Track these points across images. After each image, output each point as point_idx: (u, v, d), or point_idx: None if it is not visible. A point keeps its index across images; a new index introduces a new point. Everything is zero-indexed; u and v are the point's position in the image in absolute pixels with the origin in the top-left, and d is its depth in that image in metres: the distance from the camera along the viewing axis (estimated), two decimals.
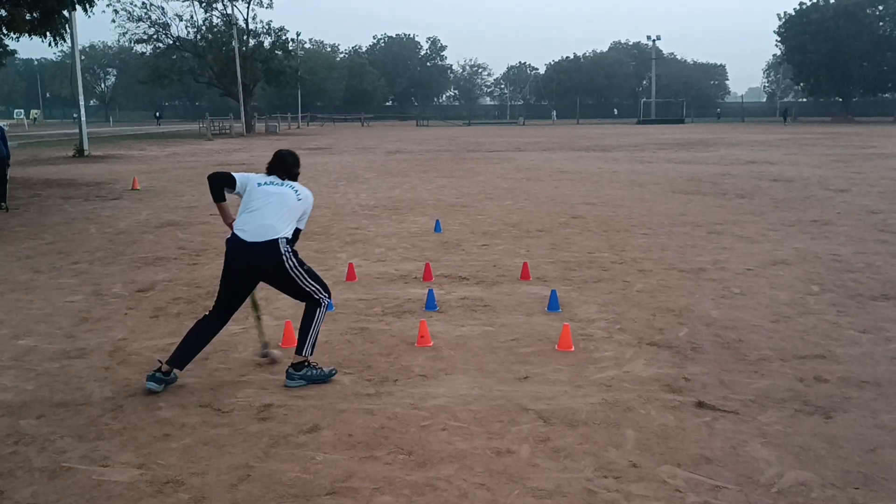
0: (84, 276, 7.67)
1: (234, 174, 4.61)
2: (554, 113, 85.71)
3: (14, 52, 31.63)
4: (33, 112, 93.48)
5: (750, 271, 7.59)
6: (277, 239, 4.40)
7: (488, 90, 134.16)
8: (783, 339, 5.37)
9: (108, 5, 51.95)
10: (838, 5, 68.95)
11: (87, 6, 19.81)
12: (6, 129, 13.76)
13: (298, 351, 4.55)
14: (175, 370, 4.52)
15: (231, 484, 3.35)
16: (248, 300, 4.81)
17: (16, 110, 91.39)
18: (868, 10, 70.03)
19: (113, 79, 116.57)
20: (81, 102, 27.18)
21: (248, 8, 55.96)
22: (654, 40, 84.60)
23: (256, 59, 54.57)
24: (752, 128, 56.45)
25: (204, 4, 53.68)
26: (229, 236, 4.54)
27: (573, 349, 5.15)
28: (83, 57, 58.20)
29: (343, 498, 3.23)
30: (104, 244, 9.54)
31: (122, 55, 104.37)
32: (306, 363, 4.57)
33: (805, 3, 72.21)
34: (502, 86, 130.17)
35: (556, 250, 8.80)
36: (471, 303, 6.46)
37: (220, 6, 54.16)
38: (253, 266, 4.46)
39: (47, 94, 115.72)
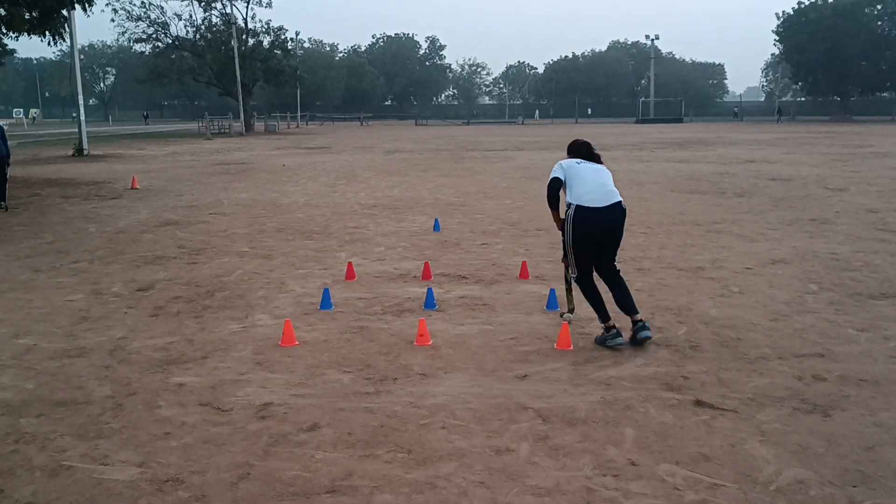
0: (84, 276, 7.67)
1: (555, 176, 5.30)
2: (537, 112, 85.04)
3: (13, 51, 31.67)
4: (32, 111, 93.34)
5: (748, 270, 7.60)
6: (621, 200, 5.26)
7: (487, 89, 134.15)
8: (782, 338, 5.38)
9: (107, 4, 51.91)
10: (836, 4, 68.95)
11: (87, 5, 19.83)
12: (6, 128, 13.75)
13: (636, 311, 5.26)
14: (612, 324, 5.23)
15: (231, 482, 3.36)
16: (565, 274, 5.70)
17: (15, 109, 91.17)
18: (866, 10, 70.03)
19: (112, 78, 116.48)
20: (81, 102, 27.18)
21: (247, 7, 56.08)
22: (652, 40, 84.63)
23: (255, 59, 54.53)
24: (750, 127, 56.47)
25: (203, 4, 53.64)
26: (573, 211, 5.16)
27: (572, 348, 5.16)
28: (82, 56, 58.15)
29: (343, 496, 3.24)
30: (104, 243, 9.54)
31: (121, 54, 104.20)
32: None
33: (803, 3, 72.19)
34: (501, 85, 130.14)
35: (556, 249, 8.79)
36: (470, 301, 6.46)
37: (219, 5, 54.16)
38: (608, 225, 5.21)
39: (46, 94, 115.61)
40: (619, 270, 5.42)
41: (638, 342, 5.17)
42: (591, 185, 5.21)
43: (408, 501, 3.19)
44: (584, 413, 4.08)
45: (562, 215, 5.38)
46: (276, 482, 3.36)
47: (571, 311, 5.81)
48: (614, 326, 5.21)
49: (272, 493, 3.26)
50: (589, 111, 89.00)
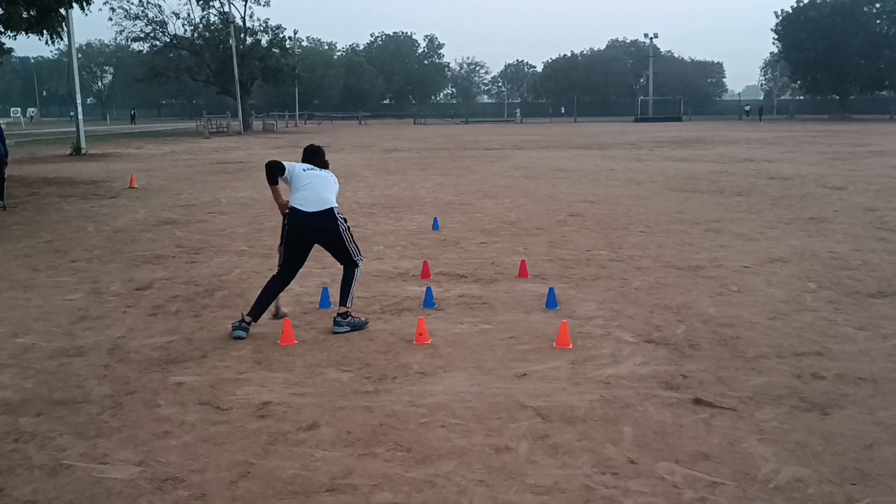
0: (82, 275, 7.67)
1: (283, 163, 5.55)
2: (518, 111, 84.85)
3: (11, 50, 31.53)
4: (30, 110, 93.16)
5: (747, 269, 7.61)
6: (333, 208, 5.50)
7: (486, 88, 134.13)
8: (780, 337, 5.39)
9: (104, 3, 51.73)
10: (835, 3, 69.01)
11: (84, 4, 19.82)
12: (3, 127, 13.73)
13: (342, 303, 5.60)
14: (251, 320, 5.51)
15: (231, 481, 3.36)
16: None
17: (12, 108, 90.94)
18: (865, 8, 70.10)
19: (110, 77, 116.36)
20: (78, 101, 27.13)
21: (245, 6, 55.98)
22: (651, 38, 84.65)
23: (254, 57, 54.45)
24: (749, 125, 56.51)
25: (201, 2, 53.51)
26: (288, 212, 5.48)
27: (571, 346, 5.17)
28: (80, 55, 58.04)
29: (342, 495, 3.24)
30: (102, 242, 9.53)
31: (118, 53, 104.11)
32: (348, 313, 5.60)
33: (802, 1, 72.27)
34: (500, 84, 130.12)
35: (554, 248, 8.82)
36: (469, 300, 6.47)
37: (217, 4, 54.04)
38: (314, 231, 5.50)
39: (44, 93, 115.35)
40: (354, 265, 5.63)
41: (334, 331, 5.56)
42: (308, 189, 5.51)
43: (407, 500, 3.20)
44: (583, 412, 4.09)
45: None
46: (276, 481, 3.36)
47: (278, 308, 5.86)
48: (244, 320, 5.49)
49: (272, 492, 3.27)
50: (562, 110, 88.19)
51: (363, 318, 5.77)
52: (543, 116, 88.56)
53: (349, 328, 5.58)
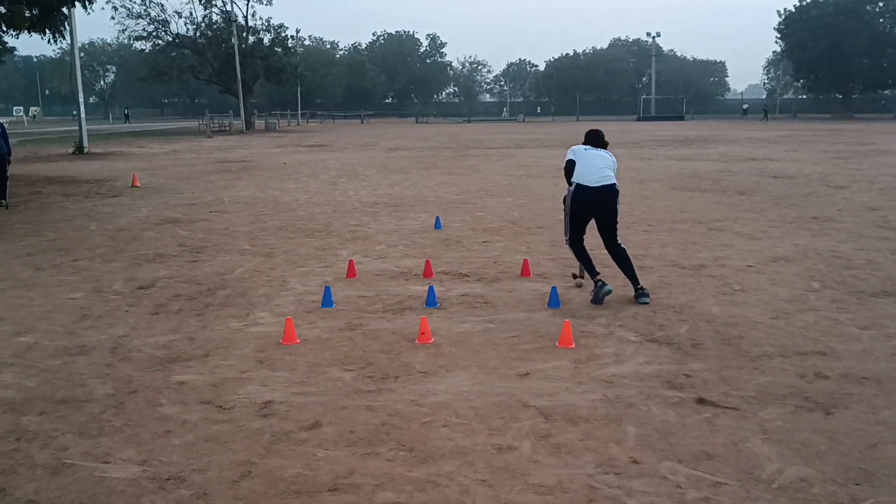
0: (85, 273, 7.67)
1: (569, 157, 6.42)
2: (505, 111, 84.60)
3: (13, 49, 31.63)
4: (33, 109, 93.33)
5: (750, 268, 7.59)
6: (614, 183, 6.28)
7: (488, 87, 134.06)
8: (784, 336, 5.37)
9: (107, 2, 51.92)
10: (838, 2, 68.86)
11: (87, 3, 19.80)
12: (6, 126, 13.75)
13: (637, 282, 6.33)
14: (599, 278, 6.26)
15: (233, 480, 3.36)
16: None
17: (15, 107, 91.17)
18: (868, 7, 69.96)
19: (112, 76, 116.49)
20: (81, 99, 27.16)
21: (247, 5, 56.17)
22: (654, 37, 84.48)
23: (256, 57, 54.50)
24: (751, 125, 56.43)
25: (203, 1, 53.66)
26: (574, 188, 6.28)
27: (574, 346, 5.15)
28: (82, 54, 58.07)
29: (345, 494, 3.23)
30: (105, 241, 9.54)
31: (121, 52, 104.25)
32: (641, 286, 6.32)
33: (805, 0, 72.09)
34: (502, 83, 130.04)
35: (557, 247, 8.80)
36: (471, 299, 6.46)
37: (219, 3, 54.17)
38: (598, 203, 6.26)
39: (47, 92, 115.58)
40: (621, 246, 6.43)
41: (638, 302, 6.21)
42: (591, 168, 6.29)
43: (410, 499, 3.19)
44: (586, 411, 4.07)
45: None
46: (278, 480, 3.35)
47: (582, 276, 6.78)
48: (601, 280, 6.24)
49: (274, 492, 3.26)
50: (537, 109, 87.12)
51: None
52: (546, 115, 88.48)
53: (649, 298, 6.26)
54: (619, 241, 6.45)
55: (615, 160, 6.55)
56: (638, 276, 6.35)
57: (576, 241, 6.46)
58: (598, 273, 6.31)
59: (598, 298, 6.18)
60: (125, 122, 72.51)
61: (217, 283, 7.21)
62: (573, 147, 6.53)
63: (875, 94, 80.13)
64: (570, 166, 6.41)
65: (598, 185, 6.21)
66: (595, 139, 6.60)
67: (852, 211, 11.42)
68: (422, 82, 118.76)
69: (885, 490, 3.24)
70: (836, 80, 73.68)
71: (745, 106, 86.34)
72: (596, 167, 6.28)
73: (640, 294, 6.24)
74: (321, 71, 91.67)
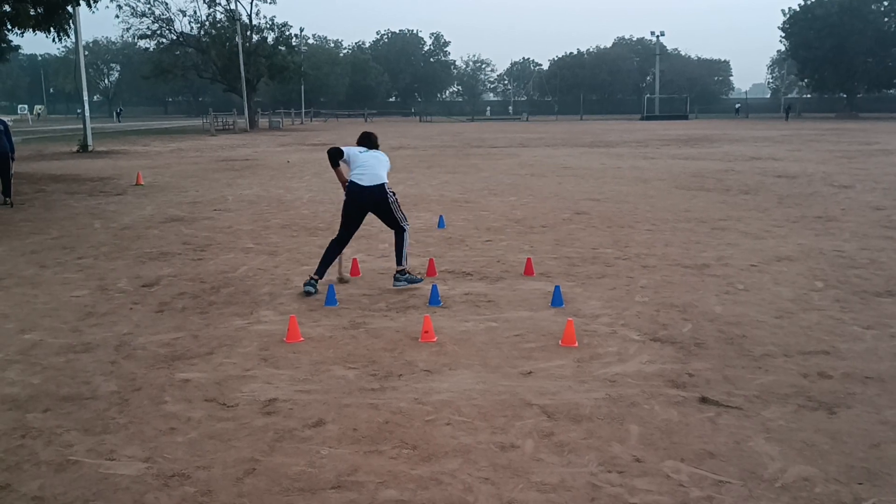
0: (89, 271, 7.69)
1: (342, 148, 6.84)
2: (482, 109, 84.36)
3: (18, 47, 31.71)
4: (37, 108, 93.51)
5: (754, 267, 7.58)
6: (384, 183, 6.67)
7: (491, 86, 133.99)
8: (787, 335, 5.37)
9: (111, 0, 51.92)
10: (843, 1, 68.62)
11: (91, 1, 19.84)
12: (10, 124, 13.78)
13: (398, 262, 6.80)
14: (318, 278, 6.68)
15: (237, 477, 3.37)
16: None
17: (20, 106, 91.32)
18: (873, 6, 69.73)
19: (116, 74, 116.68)
20: (85, 98, 27.19)
21: (251, 3, 56.02)
22: (658, 36, 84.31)
23: (260, 55, 54.49)
24: (755, 124, 56.32)
25: (207, 0, 53.65)
26: (349, 185, 6.69)
27: (577, 345, 5.16)
28: (87, 52, 58.12)
29: (348, 492, 3.24)
30: (109, 239, 9.56)
31: (125, 51, 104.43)
32: (405, 271, 6.78)
33: None
34: (505, 82, 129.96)
35: (560, 246, 8.81)
36: (474, 298, 6.46)
37: (223, 1, 54.14)
38: (369, 203, 6.66)
39: (51, 90, 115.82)
40: (402, 230, 6.81)
41: (394, 285, 6.80)
42: (365, 168, 6.72)
43: (413, 497, 3.20)
44: (588, 410, 4.08)
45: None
46: (282, 477, 3.37)
47: (341, 275, 7.14)
48: (312, 278, 6.67)
49: (278, 489, 3.27)
50: (523, 115, 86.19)
51: (418, 276, 6.91)
52: (549, 114, 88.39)
53: (406, 283, 6.74)
54: (400, 226, 6.82)
55: (388, 160, 6.99)
56: (403, 260, 6.80)
57: (340, 238, 6.84)
58: (322, 276, 6.72)
59: (305, 289, 6.62)
60: (117, 121, 72.17)
61: (221, 281, 7.22)
62: (350, 148, 6.96)
63: (880, 93, 79.85)
64: (336, 155, 6.83)
65: (371, 184, 6.63)
66: (368, 143, 7.07)
67: (856, 210, 11.40)
68: (425, 81, 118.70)
69: (888, 490, 3.24)
70: (841, 79, 73.44)
71: (737, 106, 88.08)
72: (369, 166, 6.73)
73: (396, 277, 6.81)
74: (325, 69, 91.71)
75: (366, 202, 6.67)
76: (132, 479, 3.37)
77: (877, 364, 4.78)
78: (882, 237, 9.19)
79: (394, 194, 6.75)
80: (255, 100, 56.47)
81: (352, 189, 6.69)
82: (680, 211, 11.49)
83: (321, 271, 6.70)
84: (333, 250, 6.79)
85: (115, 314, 6.09)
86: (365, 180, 6.63)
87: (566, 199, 13.03)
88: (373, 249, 8.69)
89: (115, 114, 79.87)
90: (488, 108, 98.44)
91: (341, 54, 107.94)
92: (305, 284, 6.62)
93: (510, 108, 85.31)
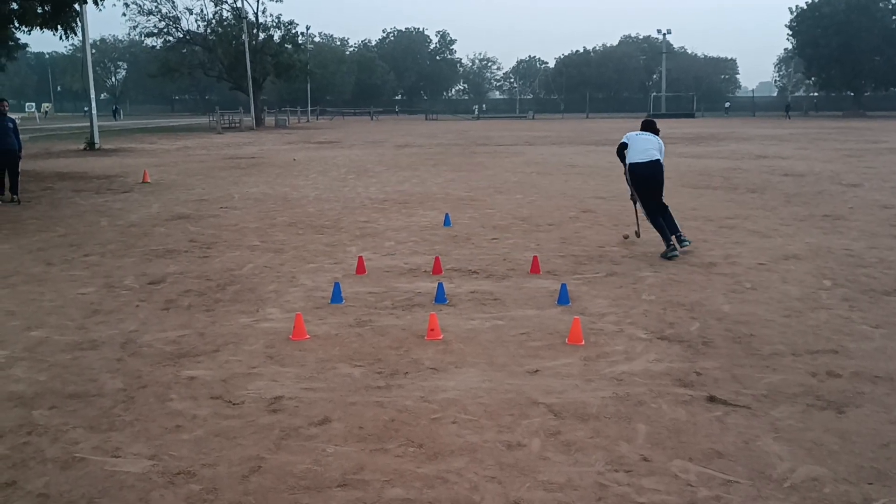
0: (96, 269, 7.70)
1: (624, 140, 8.37)
2: (531, 113, 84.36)
3: (25, 45, 31.82)
4: (44, 106, 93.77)
5: (762, 266, 7.55)
6: (659, 159, 8.12)
7: (497, 84, 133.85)
8: (795, 334, 5.34)
9: None
10: None
11: (98, 0, 19.87)
12: (18, 122, 13.82)
13: (677, 231, 8.07)
14: (673, 243, 7.93)
15: (242, 475, 3.36)
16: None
17: (27, 104, 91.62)
18: (881, 4, 69.40)
19: (123, 72, 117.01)
20: (92, 96, 27.26)
21: (257, 2, 56.09)
22: (664, 34, 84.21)
23: (266, 53, 54.57)
24: (762, 122, 56.13)
25: None
26: (628, 167, 8.21)
27: (584, 343, 5.14)
28: (94, 51, 58.22)
29: (354, 490, 3.23)
30: (115, 237, 9.58)
31: (132, 49, 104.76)
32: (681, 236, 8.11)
33: None
34: (511, 80, 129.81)
35: (567, 244, 8.78)
36: (480, 296, 6.45)
37: (229, 0, 54.23)
38: (651, 176, 8.05)
39: (58, 88, 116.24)
40: (666, 206, 8.15)
41: (681, 245, 8.00)
42: (642, 149, 8.11)
43: (419, 495, 3.18)
44: (595, 408, 4.06)
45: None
46: (288, 475, 3.36)
47: (637, 234, 8.73)
48: (672, 244, 7.84)
49: (283, 487, 3.26)
50: (529, 112, 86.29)
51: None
52: (555, 112, 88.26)
53: (689, 242, 8.15)
54: (663, 203, 8.17)
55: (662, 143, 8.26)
56: (679, 227, 8.15)
57: (651, 212, 8.10)
58: (672, 239, 7.92)
59: (664, 255, 7.85)
60: (114, 119, 71.92)
61: (227, 278, 7.22)
62: (628, 133, 8.41)
63: (887, 91, 79.44)
64: (622, 147, 8.31)
65: (647, 160, 8.02)
66: (645, 126, 8.41)
67: (864, 209, 11.34)
68: (431, 79, 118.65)
69: None
70: (848, 77, 73.09)
71: (727, 105, 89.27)
72: (643, 148, 8.08)
73: (680, 239, 8.03)
74: (331, 68, 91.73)
75: (649, 176, 8.03)
76: (138, 476, 3.37)
77: (886, 363, 4.75)
78: (890, 236, 9.14)
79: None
80: (261, 98, 56.58)
81: (636, 168, 8.06)
82: (687, 209, 11.44)
83: (667, 238, 7.86)
84: (656, 220, 7.99)
85: (121, 311, 6.10)
86: (644, 158, 8.03)
87: (573, 197, 13.00)
88: (379, 247, 8.68)
89: (112, 112, 79.70)
90: (479, 106, 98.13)
91: (347, 52, 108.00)
92: (668, 252, 7.79)
93: (517, 105, 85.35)
